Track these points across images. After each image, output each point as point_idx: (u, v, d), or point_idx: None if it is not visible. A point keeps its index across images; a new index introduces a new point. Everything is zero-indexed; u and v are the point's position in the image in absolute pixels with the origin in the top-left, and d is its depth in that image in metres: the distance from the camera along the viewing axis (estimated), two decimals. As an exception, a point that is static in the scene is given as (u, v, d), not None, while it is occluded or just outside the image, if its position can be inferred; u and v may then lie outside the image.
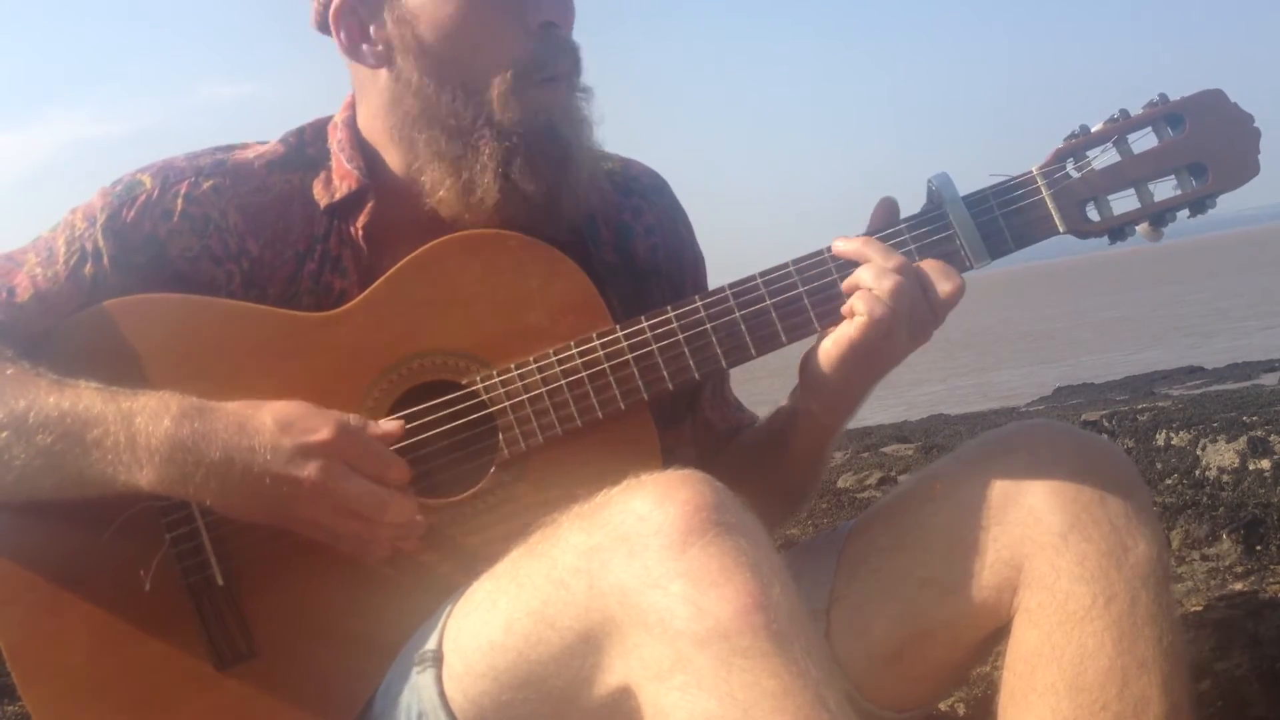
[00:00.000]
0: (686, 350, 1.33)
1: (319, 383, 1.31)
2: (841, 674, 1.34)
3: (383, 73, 1.40)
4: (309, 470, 1.22)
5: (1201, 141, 1.34)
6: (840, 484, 3.94)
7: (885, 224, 1.36)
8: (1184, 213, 1.36)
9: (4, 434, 1.26)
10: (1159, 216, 1.35)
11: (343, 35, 1.41)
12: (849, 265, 1.32)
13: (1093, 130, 1.36)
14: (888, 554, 1.37)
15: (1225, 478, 3.06)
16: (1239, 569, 2.31)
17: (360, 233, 1.41)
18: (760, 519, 1.12)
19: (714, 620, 1.02)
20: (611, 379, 1.32)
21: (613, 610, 1.08)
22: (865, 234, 1.35)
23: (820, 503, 3.49)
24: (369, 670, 1.30)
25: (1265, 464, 3.08)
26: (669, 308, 1.34)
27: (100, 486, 1.25)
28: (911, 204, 1.40)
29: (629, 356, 1.32)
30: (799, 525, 3.07)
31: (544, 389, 1.32)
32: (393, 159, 1.42)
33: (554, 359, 1.32)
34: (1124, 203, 1.35)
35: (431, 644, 1.24)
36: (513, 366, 1.33)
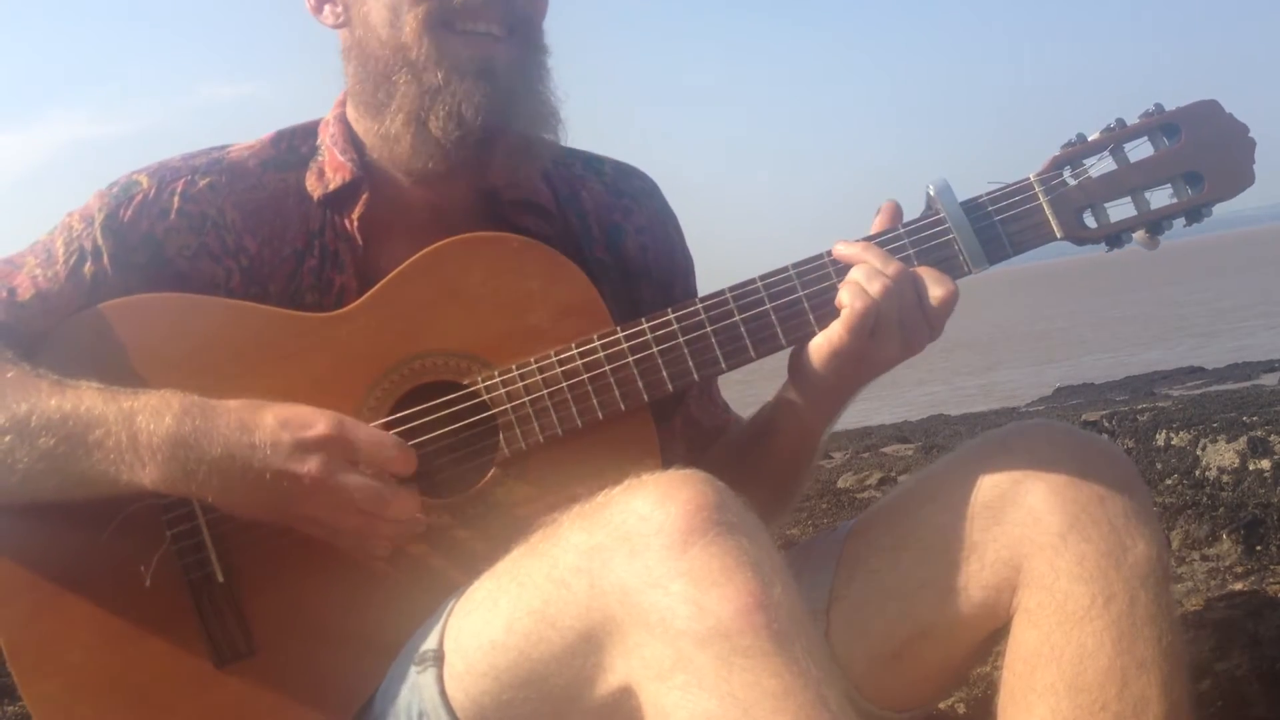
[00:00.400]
0: (686, 352, 1.33)
1: (320, 383, 1.32)
2: (841, 674, 1.34)
3: (344, 33, 1.43)
4: (309, 466, 1.22)
5: (1197, 151, 1.35)
6: (840, 484, 3.95)
7: (886, 228, 1.37)
8: (1180, 221, 1.37)
9: (7, 438, 1.26)
10: (1155, 224, 1.37)
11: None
12: (849, 270, 1.33)
13: (1089, 139, 1.37)
14: (887, 554, 1.37)
15: (1225, 478, 3.06)
16: (1239, 569, 2.31)
17: (355, 224, 1.41)
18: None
19: (715, 619, 1.02)
20: (612, 380, 1.32)
21: (614, 609, 1.08)
22: (865, 238, 1.36)
23: (820, 503, 3.50)
24: (368, 669, 1.31)
25: (1265, 464, 3.09)
26: (669, 309, 1.34)
27: (103, 486, 1.25)
28: (913, 207, 1.40)
29: (630, 358, 1.33)
30: (799, 525, 3.08)
31: (545, 389, 1.32)
32: (371, 142, 1.43)
33: (555, 359, 1.33)
34: (1121, 210, 1.36)
35: (432, 643, 1.24)
36: (514, 367, 1.33)
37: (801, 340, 1.35)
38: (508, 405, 1.33)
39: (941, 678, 1.42)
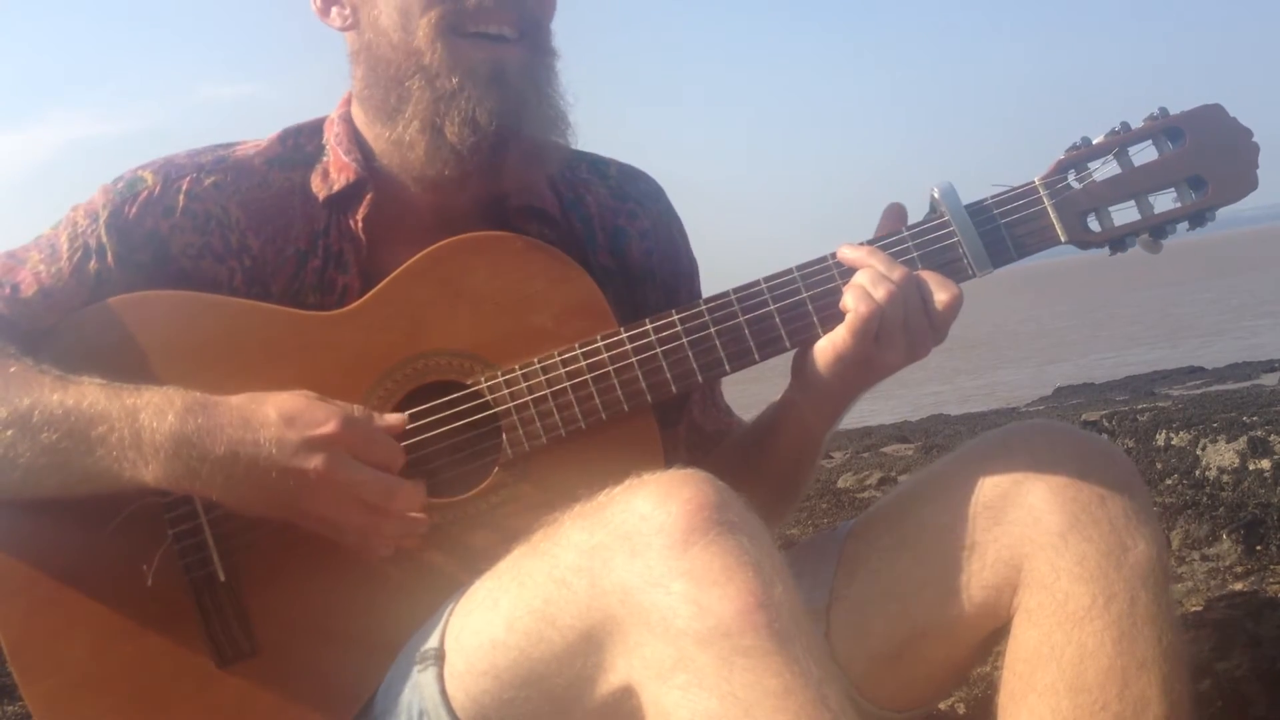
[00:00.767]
0: (690, 353, 1.33)
1: (323, 382, 1.31)
2: (842, 673, 1.35)
3: (351, 35, 1.42)
4: (315, 462, 1.22)
5: (1200, 155, 1.35)
6: (840, 484, 3.95)
7: (890, 231, 1.37)
8: (1183, 225, 1.38)
9: (9, 432, 1.26)
10: (1159, 229, 1.37)
11: (318, 1, 1.43)
12: (853, 272, 1.33)
13: (1094, 142, 1.37)
14: (888, 554, 1.37)
15: (1225, 478, 3.06)
16: (1239, 569, 2.32)
17: (360, 225, 1.41)
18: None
19: (716, 619, 1.02)
20: (615, 381, 1.33)
21: (614, 609, 1.08)
22: (870, 241, 1.36)
23: (820, 503, 3.50)
24: (370, 668, 1.31)
25: (1265, 464, 3.08)
26: (673, 311, 1.34)
27: (105, 483, 1.25)
28: (916, 208, 1.41)
29: (633, 359, 1.33)
30: (799, 525, 3.08)
31: (548, 390, 1.33)
32: (381, 148, 1.43)
33: (558, 359, 1.33)
34: (1124, 214, 1.37)
35: (433, 642, 1.24)
36: (517, 367, 1.33)
37: (805, 343, 1.35)
38: (511, 405, 1.33)
39: (941, 678, 1.42)
